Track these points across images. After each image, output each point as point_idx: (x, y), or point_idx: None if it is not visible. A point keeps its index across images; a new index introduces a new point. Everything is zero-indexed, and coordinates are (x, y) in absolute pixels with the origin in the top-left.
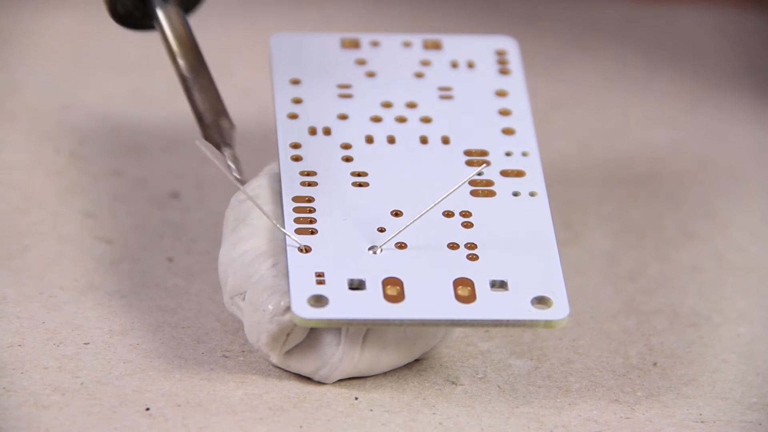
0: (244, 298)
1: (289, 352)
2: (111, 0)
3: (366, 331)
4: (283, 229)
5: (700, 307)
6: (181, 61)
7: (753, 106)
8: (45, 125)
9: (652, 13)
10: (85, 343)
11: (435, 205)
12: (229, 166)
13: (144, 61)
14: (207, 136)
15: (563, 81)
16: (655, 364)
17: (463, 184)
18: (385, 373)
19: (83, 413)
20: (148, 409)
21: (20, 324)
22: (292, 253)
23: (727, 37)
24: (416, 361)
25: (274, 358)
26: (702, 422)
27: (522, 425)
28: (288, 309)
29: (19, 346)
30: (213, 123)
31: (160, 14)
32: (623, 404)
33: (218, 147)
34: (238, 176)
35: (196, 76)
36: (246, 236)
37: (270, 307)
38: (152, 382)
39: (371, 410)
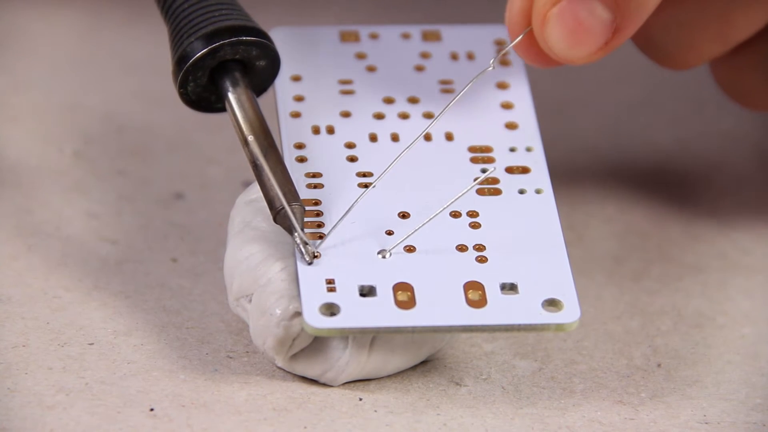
0: (250, 300)
1: (295, 356)
2: (182, 85)
3: None
4: (305, 239)
5: (704, 308)
6: (252, 146)
7: None
8: (49, 126)
9: None
10: (90, 344)
11: (443, 209)
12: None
13: (149, 61)
14: (276, 220)
15: (568, 81)
16: (659, 365)
17: (471, 188)
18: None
19: (88, 414)
20: (152, 409)
21: (25, 324)
22: (302, 260)
23: None
24: (421, 362)
25: (280, 362)
26: (706, 423)
27: (526, 426)
28: (296, 314)
29: (24, 346)
30: (283, 208)
31: (231, 98)
32: (627, 405)
33: (288, 231)
34: (308, 259)
35: (266, 160)
36: (253, 239)
37: (278, 311)
38: (156, 382)
39: (375, 411)
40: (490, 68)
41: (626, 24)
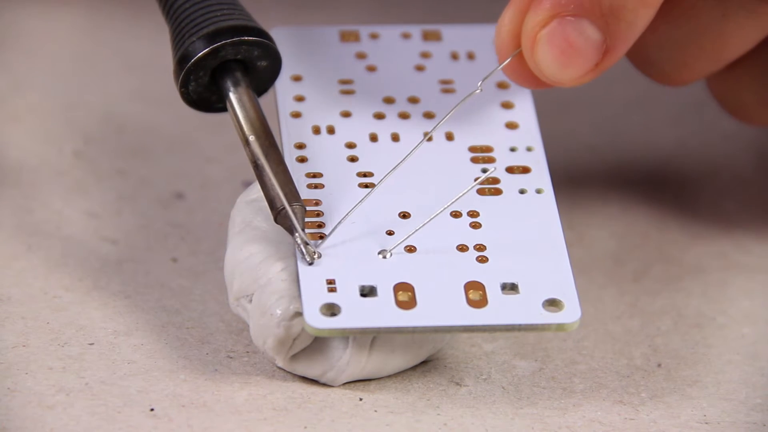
0: (250, 300)
1: (295, 356)
2: (183, 85)
3: None
4: (305, 239)
5: (704, 307)
6: (253, 146)
7: None
8: (49, 125)
9: None
10: (90, 344)
11: (444, 209)
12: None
13: (149, 61)
14: (277, 220)
15: None
16: (659, 365)
17: (472, 188)
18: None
19: (88, 413)
20: (152, 409)
21: (25, 324)
22: (303, 260)
23: None
24: (421, 362)
25: (280, 362)
26: (706, 423)
27: (526, 426)
28: (296, 314)
29: (24, 346)
30: (284, 208)
31: (233, 98)
32: (627, 405)
33: (289, 231)
34: (309, 260)
35: (267, 160)
36: (254, 238)
37: (278, 311)
38: (156, 382)
39: (375, 411)
40: (478, 91)
41: (616, 44)
